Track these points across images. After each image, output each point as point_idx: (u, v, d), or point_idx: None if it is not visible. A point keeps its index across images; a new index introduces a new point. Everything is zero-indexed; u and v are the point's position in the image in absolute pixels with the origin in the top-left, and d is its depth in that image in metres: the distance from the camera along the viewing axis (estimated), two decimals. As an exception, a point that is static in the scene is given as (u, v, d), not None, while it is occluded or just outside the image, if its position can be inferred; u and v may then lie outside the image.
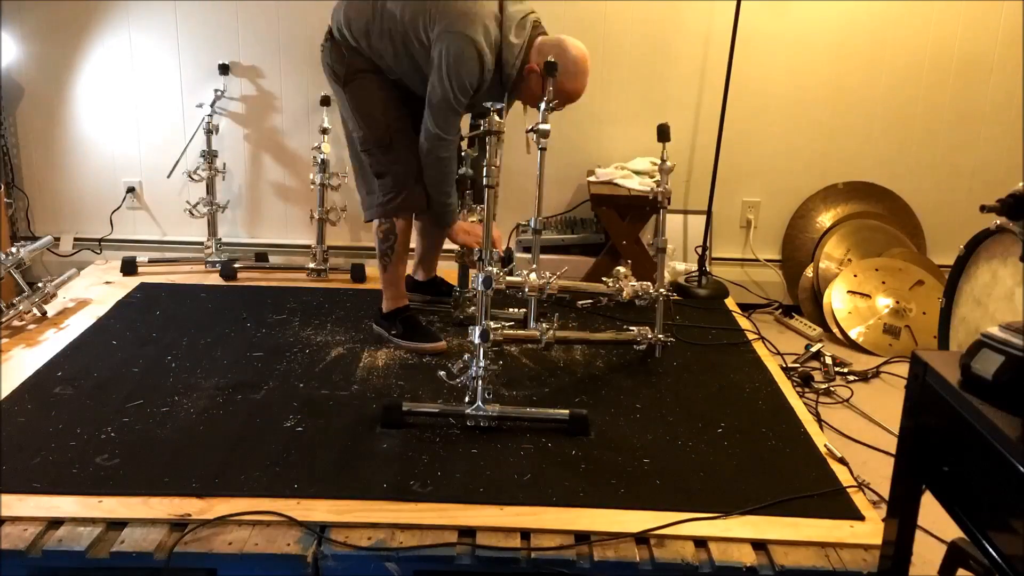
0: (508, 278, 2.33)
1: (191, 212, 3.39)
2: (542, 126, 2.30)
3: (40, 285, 3.00)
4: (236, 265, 3.39)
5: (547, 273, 2.44)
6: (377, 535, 1.84)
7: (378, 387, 2.52)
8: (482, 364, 2.24)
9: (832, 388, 2.93)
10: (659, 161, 2.64)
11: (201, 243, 3.50)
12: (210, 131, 3.39)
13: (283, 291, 3.24)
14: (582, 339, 2.79)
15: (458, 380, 2.27)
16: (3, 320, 2.85)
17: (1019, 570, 1.19)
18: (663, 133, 2.60)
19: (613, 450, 2.21)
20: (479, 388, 2.26)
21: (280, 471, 2.07)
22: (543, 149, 2.32)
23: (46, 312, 2.96)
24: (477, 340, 2.23)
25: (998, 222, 1.96)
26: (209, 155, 3.40)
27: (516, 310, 2.86)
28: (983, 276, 2.04)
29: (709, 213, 3.53)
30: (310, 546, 1.80)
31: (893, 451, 1.63)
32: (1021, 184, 1.79)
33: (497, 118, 2.15)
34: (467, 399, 2.28)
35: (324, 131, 3.44)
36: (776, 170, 3.61)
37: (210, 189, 3.43)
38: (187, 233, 3.63)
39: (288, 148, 3.59)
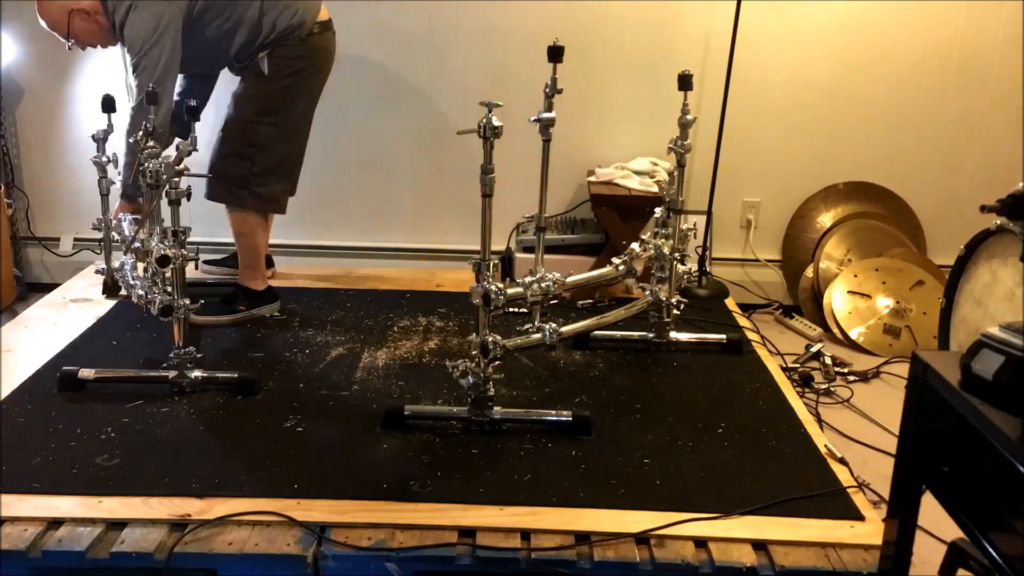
0: (510, 290, 2.28)
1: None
2: (545, 115, 2.27)
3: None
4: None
5: (551, 275, 2.40)
6: (377, 535, 1.84)
7: (378, 387, 2.52)
8: (483, 375, 2.23)
9: (832, 388, 2.93)
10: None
11: (202, 243, 3.49)
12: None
13: (283, 291, 3.24)
14: (591, 327, 2.74)
15: (461, 382, 2.26)
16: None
17: (1019, 570, 1.19)
18: (685, 81, 2.58)
19: (613, 450, 2.21)
20: (482, 394, 2.25)
21: (280, 471, 2.07)
22: (547, 140, 2.30)
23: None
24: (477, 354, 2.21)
25: (998, 222, 1.95)
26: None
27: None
28: (983, 276, 2.04)
29: (709, 213, 3.53)
30: (310, 546, 1.80)
31: (893, 451, 1.63)
32: (1021, 184, 1.79)
33: (496, 120, 2.13)
34: (469, 402, 2.28)
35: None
36: (776, 170, 3.61)
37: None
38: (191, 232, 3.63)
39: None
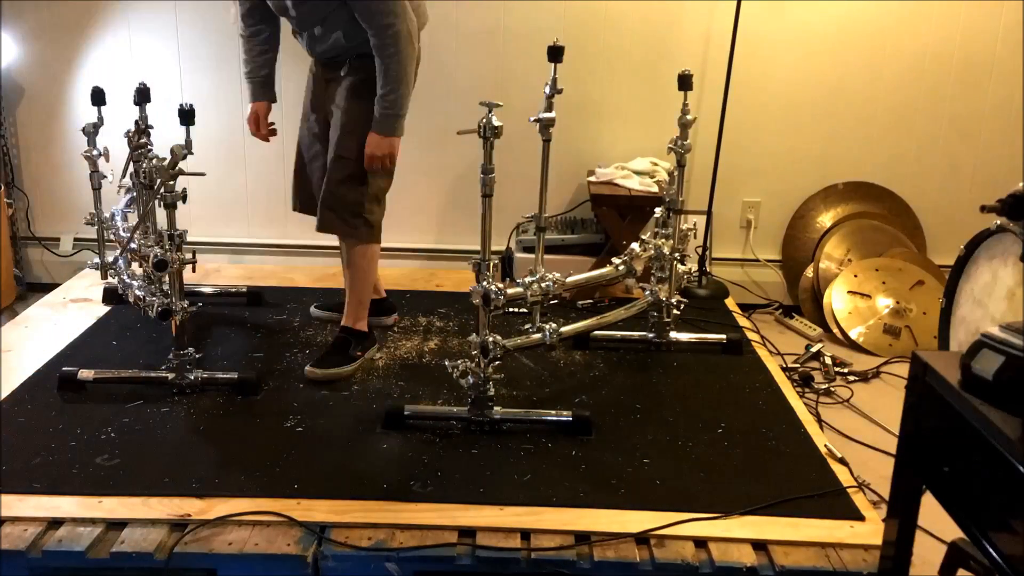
0: (510, 290, 2.28)
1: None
2: (545, 115, 2.28)
3: None
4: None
5: (551, 275, 2.40)
6: (377, 535, 1.85)
7: (378, 387, 2.52)
8: (483, 375, 2.23)
9: (832, 388, 2.93)
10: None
11: (201, 243, 3.49)
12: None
13: (284, 291, 3.24)
14: (592, 327, 2.74)
15: (461, 382, 2.26)
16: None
17: (1019, 570, 1.19)
18: (685, 81, 2.57)
19: (613, 450, 2.21)
20: (482, 394, 2.25)
21: (280, 471, 2.07)
22: (548, 140, 2.30)
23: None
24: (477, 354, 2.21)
25: (998, 222, 1.95)
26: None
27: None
28: (983, 276, 2.04)
29: (709, 213, 3.53)
30: (310, 546, 1.81)
31: (893, 451, 1.63)
32: (1021, 184, 1.79)
33: (496, 120, 2.13)
34: (469, 402, 2.28)
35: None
36: (776, 170, 3.61)
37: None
38: (188, 233, 3.63)
39: (288, 148, 3.58)
